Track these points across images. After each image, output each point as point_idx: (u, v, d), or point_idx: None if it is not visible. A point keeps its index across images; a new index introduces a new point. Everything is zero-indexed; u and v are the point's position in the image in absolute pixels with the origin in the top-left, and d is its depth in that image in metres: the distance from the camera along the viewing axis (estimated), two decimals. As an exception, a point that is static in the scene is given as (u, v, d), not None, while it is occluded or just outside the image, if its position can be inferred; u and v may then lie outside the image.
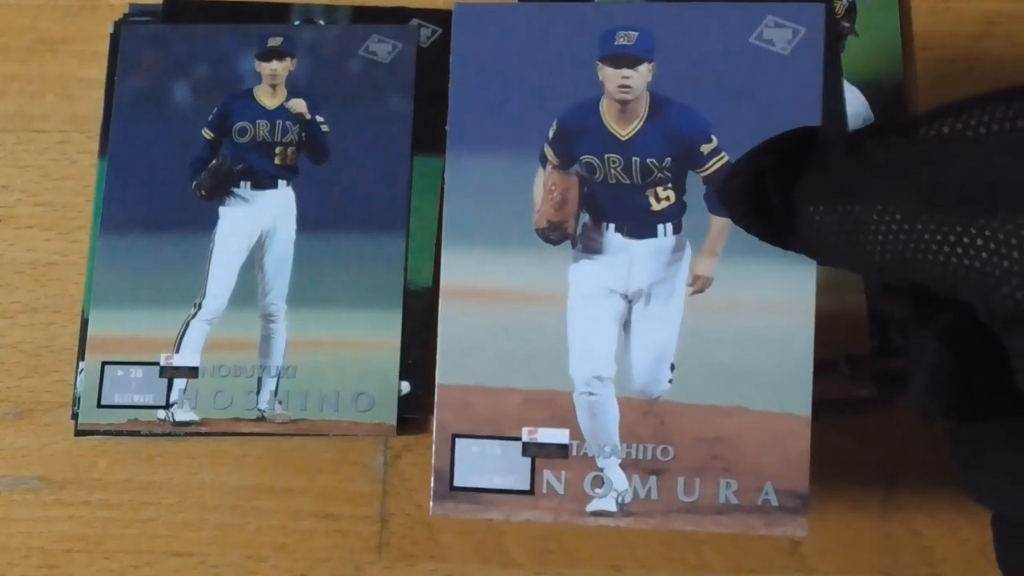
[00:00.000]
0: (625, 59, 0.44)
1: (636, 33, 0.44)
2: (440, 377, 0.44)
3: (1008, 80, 0.56)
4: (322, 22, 0.58)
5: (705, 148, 0.44)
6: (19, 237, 0.57)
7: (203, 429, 0.52)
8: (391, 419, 0.52)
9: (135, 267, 0.54)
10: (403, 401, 0.52)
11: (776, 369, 0.43)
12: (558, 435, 0.44)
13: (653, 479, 0.43)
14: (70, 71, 0.59)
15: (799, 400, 0.42)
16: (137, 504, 0.53)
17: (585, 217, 0.44)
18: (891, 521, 0.50)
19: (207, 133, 0.56)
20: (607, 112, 0.45)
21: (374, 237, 0.54)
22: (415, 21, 0.57)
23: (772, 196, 0.36)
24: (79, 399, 0.53)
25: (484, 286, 0.44)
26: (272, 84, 0.56)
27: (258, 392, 0.53)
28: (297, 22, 0.58)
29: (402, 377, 0.53)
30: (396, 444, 0.53)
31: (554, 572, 0.51)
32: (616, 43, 0.44)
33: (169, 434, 0.53)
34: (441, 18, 0.57)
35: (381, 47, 0.57)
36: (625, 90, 0.44)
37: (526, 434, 0.44)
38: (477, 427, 0.44)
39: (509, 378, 0.44)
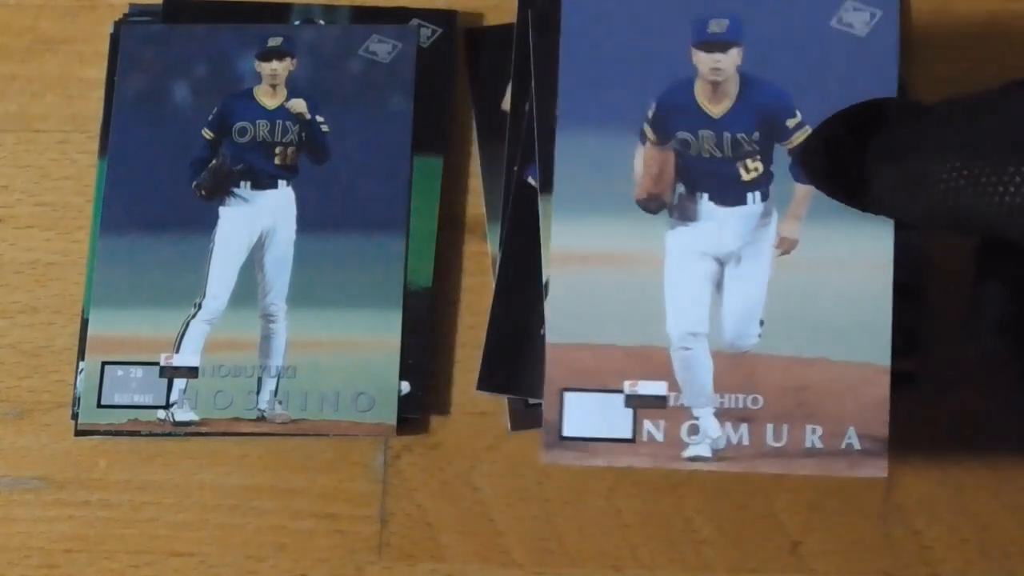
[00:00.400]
0: (717, 44, 0.49)
1: (727, 20, 0.49)
2: (550, 336, 0.48)
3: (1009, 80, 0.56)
4: (322, 22, 0.58)
5: (790, 122, 0.48)
6: (19, 237, 0.57)
7: (203, 429, 0.52)
8: (391, 419, 0.52)
9: (135, 267, 0.54)
10: (403, 401, 0.52)
11: (857, 322, 0.46)
12: (657, 387, 0.47)
13: (744, 426, 0.46)
14: (70, 71, 0.59)
15: (878, 350, 0.46)
16: (137, 504, 0.53)
17: (681, 188, 0.49)
18: (891, 521, 0.50)
19: (207, 133, 0.56)
20: (700, 92, 0.49)
21: (374, 237, 0.54)
22: (415, 21, 0.57)
23: (847, 159, 0.42)
24: (79, 399, 0.53)
25: (589, 252, 0.48)
26: (272, 84, 0.56)
27: (258, 392, 0.53)
28: (297, 22, 0.58)
29: (402, 377, 0.53)
30: (396, 444, 0.53)
31: (554, 572, 0.51)
32: (708, 30, 0.49)
33: (169, 434, 0.53)
34: (441, 18, 0.57)
35: (381, 47, 0.57)
36: (717, 72, 0.49)
37: (627, 386, 0.47)
38: (583, 381, 0.48)
39: (611, 335, 0.48)
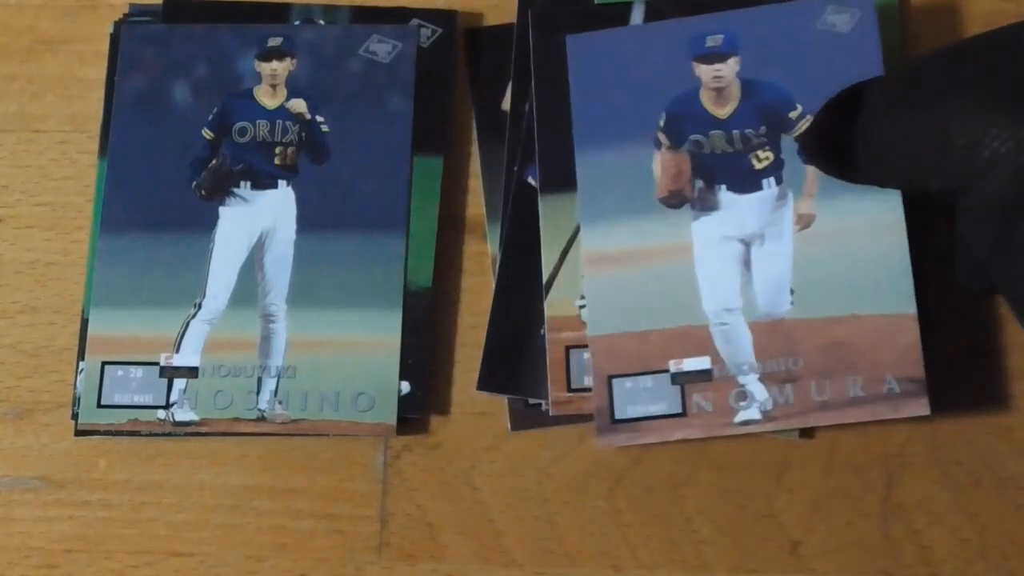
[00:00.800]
0: (715, 56, 0.54)
1: (722, 35, 0.54)
2: (591, 329, 0.51)
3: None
4: (322, 22, 0.58)
5: (792, 114, 0.52)
6: (19, 237, 0.57)
7: (203, 429, 0.52)
8: (391, 419, 0.52)
9: (135, 267, 0.54)
10: (403, 401, 0.52)
11: (880, 278, 0.50)
12: (701, 362, 0.50)
13: (789, 387, 0.50)
14: (70, 71, 0.59)
15: (903, 300, 0.50)
16: (137, 504, 0.53)
17: (699, 183, 0.53)
18: (891, 521, 0.50)
19: (207, 133, 0.56)
20: (706, 99, 0.53)
21: (374, 237, 0.54)
22: (415, 21, 0.57)
23: (836, 142, 0.47)
24: (79, 399, 0.53)
25: (620, 249, 0.52)
26: (272, 84, 0.56)
27: (258, 392, 0.53)
28: (297, 22, 0.58)
29: (402, 377, 0.53)
30: (396, 444, 0.53)
31: (554, 572, 0.51)
32: (706, 45, 0.54)
33: (169, 434, 0.53)
34: (441, 18, 0.57)
35: (381, 47, 0.57)
36: (718, 80, 0.53)
37: (672, 365, 0.51)
38: (628, 366, 0.51)
39: (651, 321, 0.51)
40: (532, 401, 0.52)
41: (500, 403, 0.53)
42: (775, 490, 0.51)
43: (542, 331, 0.52)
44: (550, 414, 0.52)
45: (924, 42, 0.56)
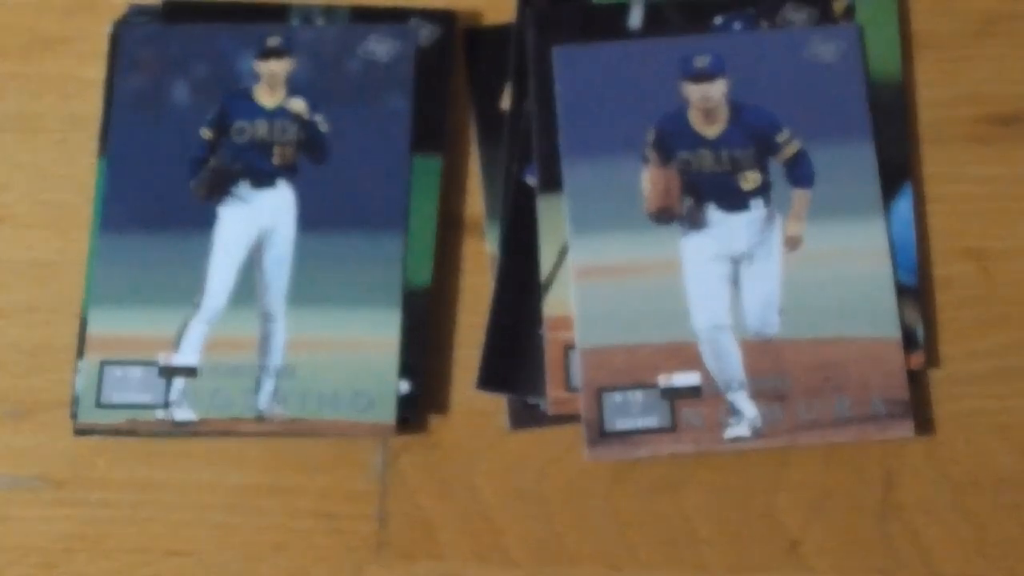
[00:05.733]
0: (704, 76, 0.54)
1: (709, 57, 0.54)
2: (579, 342, 0.52)
3: (1008, 79, 0.56)
4: (321, 22, 0.58)
5: (779, 138, 0.54)
6: (18, 236, 0.57)
7: (202, 429, 0.52)
8: (390, 418, 0.52)
9: (134, 266, 0.54)
10: (402, 400, 0.52)
11: (866, 302, 0.51)
12: (690, 378, 0.51)
13: (778, 405, 0.51)
14: (69, 71, 0.59)
15: (889, 325, 0.51)
16: (136, 503, 0.53)
17: (688, 200, 0.53)
18: (889, 520, 0.50)
19: (206, 132, 0.56)
20: (694, 118, 0.54)
21: (373, 236, 0.54)
22: (414, 21, 0.57)
23: None
24: (78, 398, 0.53)
25: (609, 263, 0.53)
26: (271, 84, 0.56)
27: (257, 391, 0.53)
28: (296, 22, 0.58)
29: (401, 376, 0.52)
30: (395, 444, 0.53)
31: (552, 571, 0.51)
32: (695, 66, 0.54)
33: (168, 434, 0.53)
34: (440, 18, 0.57)
35: (380, 47, 0.57)
36: (707, 100, 0.54)
37: (662, 380, 0.51)
38: (618, 379, 0.51)
39: (641, 335, 0.52)
40: (531, 400, 0.52)
41: (499, 402, 0.53)
42: (774, 489, 0.51)
43: (541, 330, 0.52)
44: (549, 413, 0.52)
45: (923, 40, 0.56)
